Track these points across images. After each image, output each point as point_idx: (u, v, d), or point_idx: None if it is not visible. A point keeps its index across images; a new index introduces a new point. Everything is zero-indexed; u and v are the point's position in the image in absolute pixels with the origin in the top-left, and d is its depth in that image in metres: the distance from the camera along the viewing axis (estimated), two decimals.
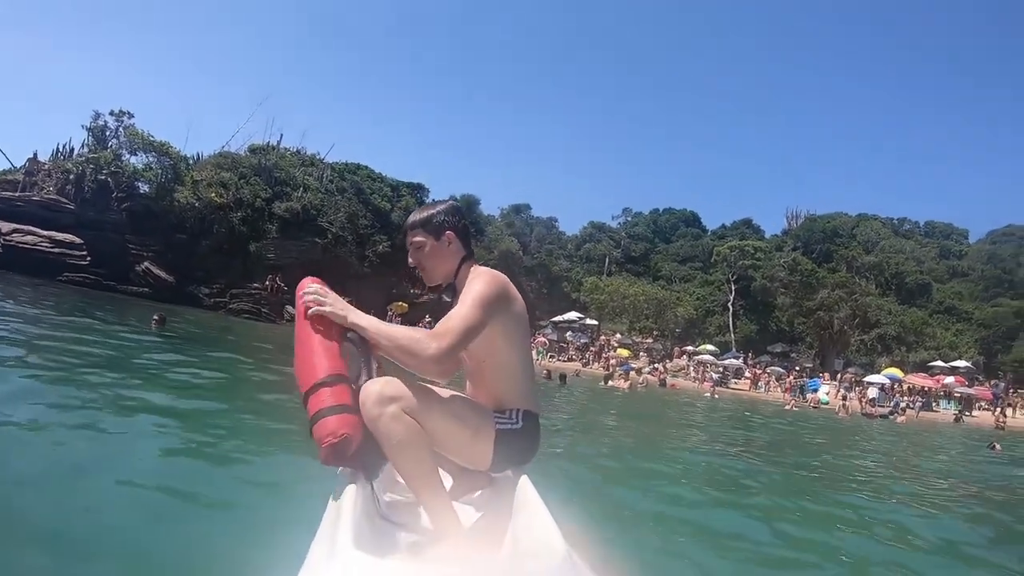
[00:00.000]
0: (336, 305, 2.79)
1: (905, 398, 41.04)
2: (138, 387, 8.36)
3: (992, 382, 49.68)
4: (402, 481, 2.87)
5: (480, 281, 2.86)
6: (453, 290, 3.02)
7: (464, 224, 3.16)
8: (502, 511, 2.79)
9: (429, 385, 2.79)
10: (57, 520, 3.71)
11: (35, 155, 43.57)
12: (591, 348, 50.38)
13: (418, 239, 3.06)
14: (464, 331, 2.70)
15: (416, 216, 3.11)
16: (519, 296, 3.00)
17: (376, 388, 2.57)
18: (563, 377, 25.70)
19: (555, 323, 56.01)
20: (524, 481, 2.72)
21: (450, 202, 3.21)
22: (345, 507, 2.35)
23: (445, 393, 2.82)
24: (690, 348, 53.22)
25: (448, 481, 3.09)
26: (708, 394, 33.80)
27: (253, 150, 51.81)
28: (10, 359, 8.80)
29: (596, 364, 44.47)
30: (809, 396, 38.94)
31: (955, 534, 6.82)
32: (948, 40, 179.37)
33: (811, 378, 45.90)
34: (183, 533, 3.86)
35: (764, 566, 4.76)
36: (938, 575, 5.19)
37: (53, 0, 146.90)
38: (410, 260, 3.10)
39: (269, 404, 9.23)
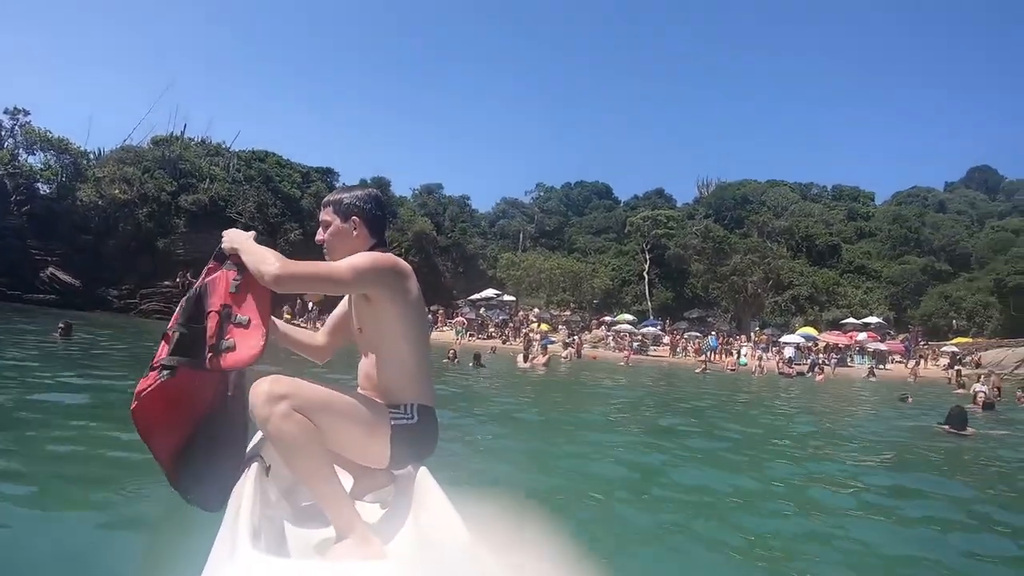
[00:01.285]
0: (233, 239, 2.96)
1: (821, 355, 41.69)
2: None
3: (903, 336, 51.34)
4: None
5: (367, 255, 2.86)
6: None
7: (377, 214, 3.12)
8: (404, 507, 2.81)
9: (320, 384, 2.70)
10: None
11: None
12: (510, 324, 50.17)
13: (326, 217, 3.08)
14: (317, 274, 2.74)
15: (330, 195, 3.15)
16: (416, 285, 2.98)
17: (264, 387, 2.52)
18: (477, 357, 24.68)
19: (472, 302, 55.75)
20: (424, 475, 2.71)
21: (371, 190, 3.20)
22: (244, 508, 2.29)
23: (336, 390, 2.74)
24: (608, 318, 53.44)
25: (348, 480, 3.05)
26: (623, 363, 33.75)
27: (156, 142, 50.40)
28: None
29: (516, 340, 44.21)
30: (726, 359, 39.21)
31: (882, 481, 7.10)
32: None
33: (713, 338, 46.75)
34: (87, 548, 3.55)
35: (678, 539, 4.60)
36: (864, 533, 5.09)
37: None
38: (317, 236, 3.11)
39: None
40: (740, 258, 57.86)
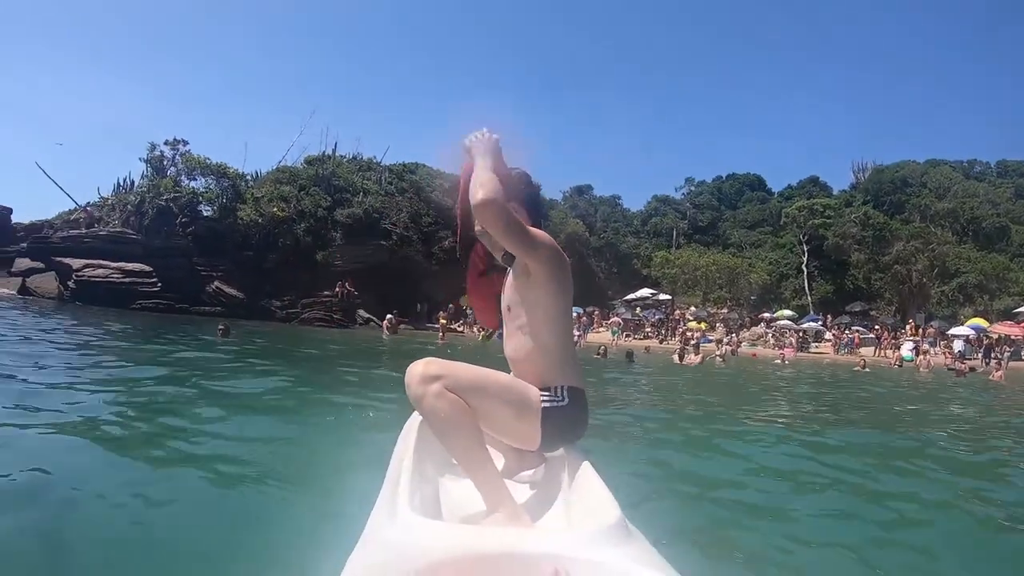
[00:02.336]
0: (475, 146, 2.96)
1: (996, 349, 38.29)
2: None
3: None
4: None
5: (543, 232, 2.91)
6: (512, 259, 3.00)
7: (532, 193, 3.20)
8: (555, 487, 2.87)
9: (472, 366, 2.80)
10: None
11: (98, 191, 45.92)
12: (666, 324, 50.22)
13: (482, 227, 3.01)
14: (516, 221, 2.77)
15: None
16: (570, 274, 3.00)
17: (419, 368, 2.62)
18: (630, 354, 25.31)
19: (628, 302, 55.83)
20: (576, 456, 2.80)
21: (521, 170, 3.20)
22: (403, 477, 2.44)
23: (489, 372, 2.82)
24: (767, 315, 52.68)
25: (499, 460, 3.09)
26: (778, 360, 33.12)
27: (309, 161, 52.60)
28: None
29: (672, 339, 44.24)
30: (893, 355, 37.88)
31: None
32: None
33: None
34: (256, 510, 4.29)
35: (833, 539, 4.50)
36: None
37: (104, 44, 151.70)
38: (476, 226, 3.08)
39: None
40: (903, 245, 55.60)
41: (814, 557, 4.12)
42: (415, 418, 3.02)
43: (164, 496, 4.34)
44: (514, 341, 3.00)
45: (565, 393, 2.88)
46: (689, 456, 6.93)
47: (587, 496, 2.45)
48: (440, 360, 2.67)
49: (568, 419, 2.88)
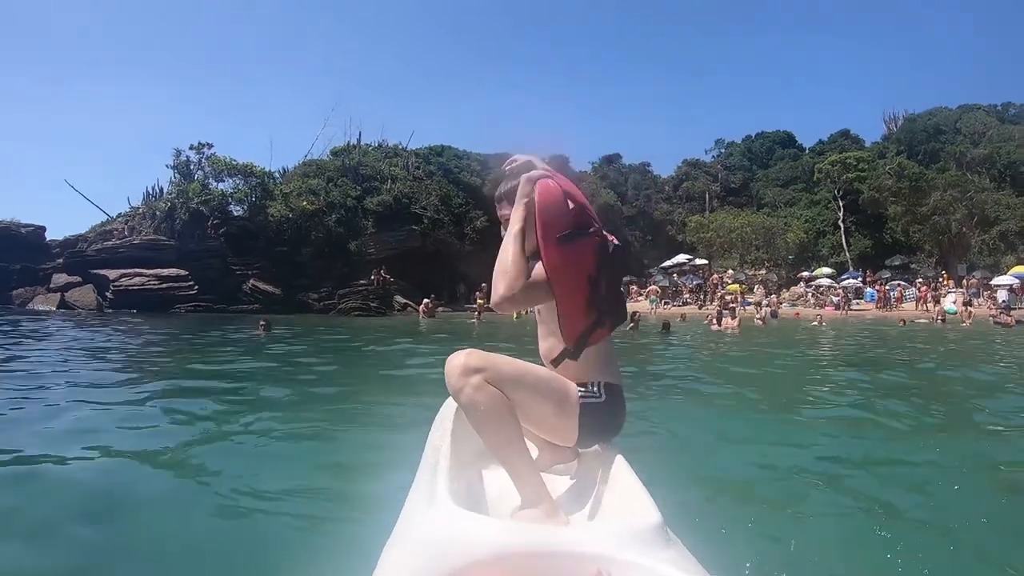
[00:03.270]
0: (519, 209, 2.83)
1: None
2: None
3: None
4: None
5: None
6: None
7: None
8: (590, 483, 2.84)
9: (513, 359, 2.77)
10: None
11: (128, 201, 46.91)
12: (705, 288, 50.09)
13: (506, 212, 3.00)
14: (530, 294, 2.75)
15: (500, 189, 3.10)
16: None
17: (460, 360, 2.60)
18: (666, 325, 25.03)
19: (664, 269, 55.74)
20: (613, 453, 2.80)
21: (560, 157, 3.01)
22: (441, 464, 2.50)
23: (528, 365, 2.79)
24: (806, 274, 52.33)
25: (533, 453, 3.03)
26: (815, 323, 32.06)
27: (335, 153, 53.32)
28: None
29: (711, 304, 44.07)
30: (935, 308, 37.34)
31: None
32: None
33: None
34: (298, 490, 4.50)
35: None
36: None
37: (121, 54, 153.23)
38: (503, 231, 2.96)
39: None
40: (940, 195, 54.47)
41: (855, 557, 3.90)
42: (449, 405, 3.03)
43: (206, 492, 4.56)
44: (548, 343, 2.98)
45: (602, 389, 2.87)
46: (720, 450, 6.57)
47: (623, 493, 2.47)
48: (481, 352, 2.67)
49: (605, 415, 2.87)
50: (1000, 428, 7.59)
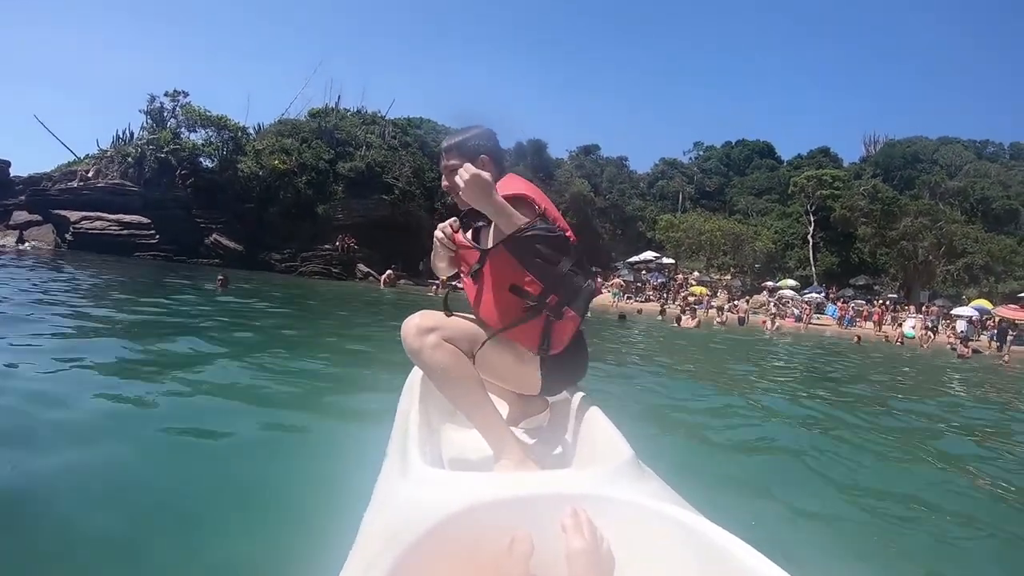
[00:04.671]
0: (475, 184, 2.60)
1: (1012, 331, 37.12)
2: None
3: None
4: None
5: (527, 185, 2.83)
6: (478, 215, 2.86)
7: (498, 148, 3.11)
8: (563, 430, 2.90)
9: (466, 314, 2.81)
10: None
11: (97, 143, 46.16)
12: (669, 287, 50.13)
13: (453, 162, 2.96)
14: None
15: (451, 140, 3.07)
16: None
17: (415, 321, 2.62)
18: (622, 316, 26.51)
19: (631, 264, 55.72)
20: (580, 398, 2.84)
21: (483, 127, 3.13)
22: (411, 430, 2.48)
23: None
24: (770, 284, 52.54)
25: (504, 409, 3.10)
26: (767, 334, 30.75)
27: (313, 114, 52.86)
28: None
29: (674, 303, 44.13)
30: (895, 331, 37.53)
31: None
32: None
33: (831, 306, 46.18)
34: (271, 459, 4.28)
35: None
36: None
37: None
38: (443, 183, 3.03)
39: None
40: (910, 221, 54.55)
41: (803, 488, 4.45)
42: (416, 372, 3.08)
43: (177, 453, 4.32)
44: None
45: None
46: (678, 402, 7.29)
47: (596, 437, 2.50)
48: (435, 312, 2.69)
49: (567, 361, 2.87)
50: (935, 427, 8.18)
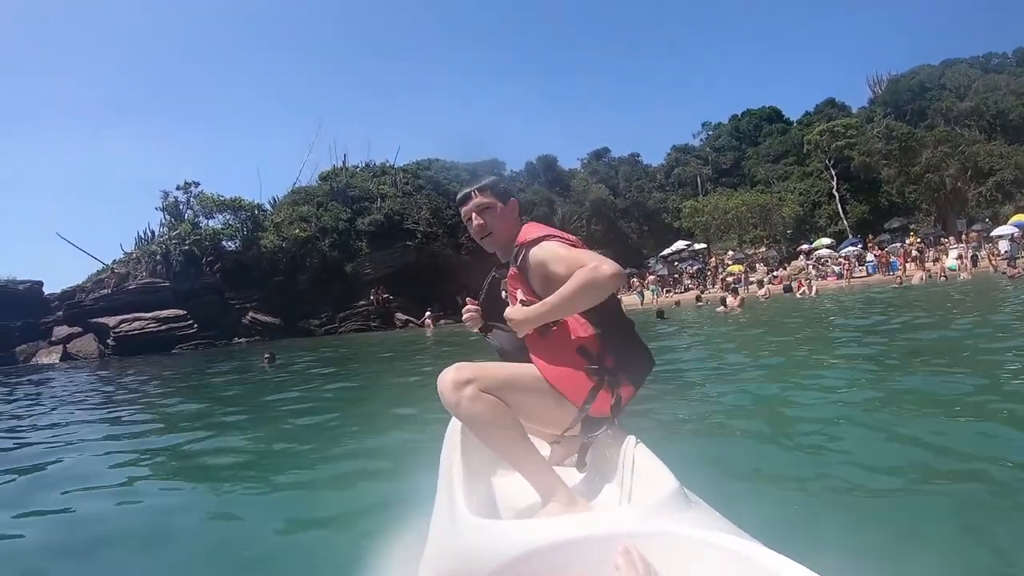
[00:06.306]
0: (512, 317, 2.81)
1: None
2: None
3: None
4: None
5: (562, 244, 2.79)
6: (512, 257, 2.92)
7: (496, 183, 3.12)
8: (607, 467, 2.84)
9: (499, 361, 2.86)
10: None
11: (121, 247, 47.42)
12: (705, 272, 49.87)
13: (488, 200, 3.00)
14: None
15: (483, 180, 3.10)
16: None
17: (450, 376, 2.62)
18: (660, 313, 25.64)
19: (664, 257, 55.46)
20: (623, 435, 2.78)
21: (496, 159, 3.13)
22: (456, 479, 2.50)
23: (517, 366, 2.82)
24: (805, 247, 51.98)
25: (545, 450, 3.08)
26: (804, 300, 29.82)
27: (324, 177, 53.80)
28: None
29: (713, 287, 43.86)
30: (935, 266, 36.77)
31: None
32: None
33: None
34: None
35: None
36: None
37: (104, 101, 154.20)
38: (476, 220, 3.00)
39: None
40: (931, 152, 53.89)
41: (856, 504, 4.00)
42: (455, 422, 3.01)
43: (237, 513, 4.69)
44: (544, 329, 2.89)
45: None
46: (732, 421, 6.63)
47: (641, 470, 2.47)
48: (469, 363, 2.68)
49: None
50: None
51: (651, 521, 1.89)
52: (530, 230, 2.92)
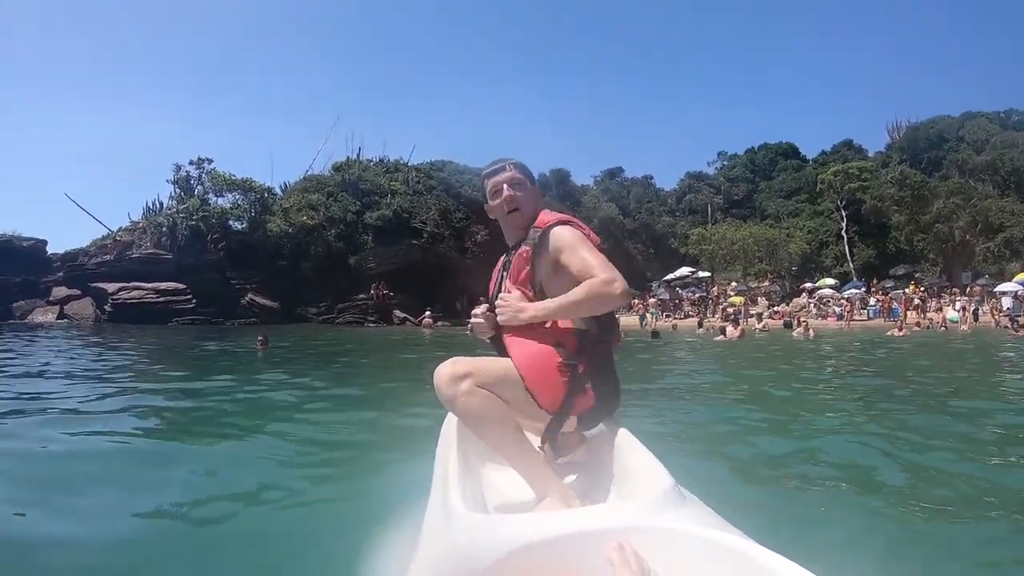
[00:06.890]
0: (508, 313, 2.82)
1: None
2: None
3: None
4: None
5: (578, 232, 2.84)
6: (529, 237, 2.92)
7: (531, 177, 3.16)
8: (602, 463, 2.84)
9: (495, 356, 2.81)
10: None
11: (128, 216, 47.59)
12: (707, 301, 49.81)
13: (520, 175, 3.03)
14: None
15: (510, 160, 3.10)
16: None
17: (446, 369, 2.60)
18: (655, 334, 26.32)
19: (667, 282, 55.41)
20: (616, 430, 2.79)
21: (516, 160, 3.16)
22: (451, 475, 2.48)
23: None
24: (809, 285, 51.90)
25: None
26: (796, 333, 28.87)
27: (336, 168, 53.83)
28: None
29: (714, 317, 43.78)
30: (937, 316, 36.67)
31: None
32: None
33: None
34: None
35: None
36: None
37: (125, 69, 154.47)
38: (507, 191, 2.98)
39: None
40: (942, 203, 53.68)
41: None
42: (451, 418, 3.04)
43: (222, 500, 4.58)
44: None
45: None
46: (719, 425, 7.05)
47: (635, 467, 2.46)
48: (465, 358, 2.66)
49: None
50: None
51: (645, 517, 1.88)
52: (549, 215, 2.94)
